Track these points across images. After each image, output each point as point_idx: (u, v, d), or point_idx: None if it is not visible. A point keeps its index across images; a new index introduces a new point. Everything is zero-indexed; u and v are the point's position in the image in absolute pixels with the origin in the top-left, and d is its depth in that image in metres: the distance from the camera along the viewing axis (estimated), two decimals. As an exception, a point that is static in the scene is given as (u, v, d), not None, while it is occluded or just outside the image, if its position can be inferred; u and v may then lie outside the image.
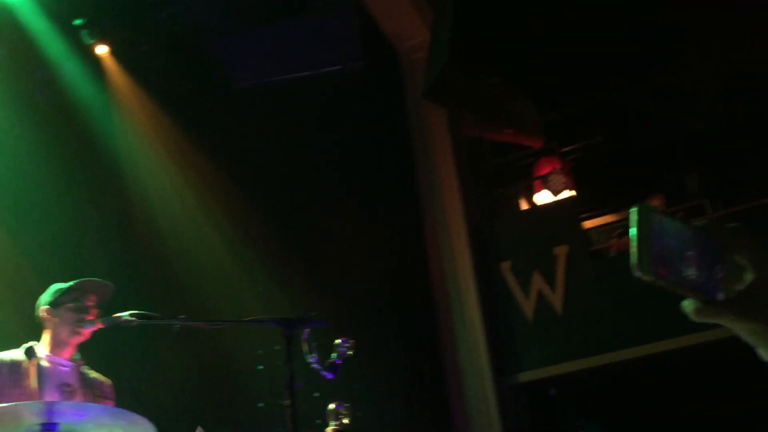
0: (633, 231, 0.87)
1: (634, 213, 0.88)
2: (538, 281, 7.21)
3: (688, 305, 0.92)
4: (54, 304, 3.31)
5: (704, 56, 8.12)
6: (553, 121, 8.40)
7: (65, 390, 3.19)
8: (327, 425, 3.32)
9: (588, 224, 8.68)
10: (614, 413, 7.77)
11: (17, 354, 3.21)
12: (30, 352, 3.21)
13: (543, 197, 8.55)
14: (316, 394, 5.35)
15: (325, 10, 8.07)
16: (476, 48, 6.69)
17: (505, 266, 7.39)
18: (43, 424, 2.35)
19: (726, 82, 8.26)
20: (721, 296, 0.91)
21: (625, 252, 7.60)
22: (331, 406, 3.27)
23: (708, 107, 8.54)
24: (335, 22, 7.99)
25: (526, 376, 7.04)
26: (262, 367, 6.58)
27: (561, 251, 7.22)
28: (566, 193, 8.26)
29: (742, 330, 0.93)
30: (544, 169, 8.56)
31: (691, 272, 0.89)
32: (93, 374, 3.40)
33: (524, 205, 8.90)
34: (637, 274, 0.87)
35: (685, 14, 7.35)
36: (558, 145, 8.70)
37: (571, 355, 6.91)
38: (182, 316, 3.08)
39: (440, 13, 6.98)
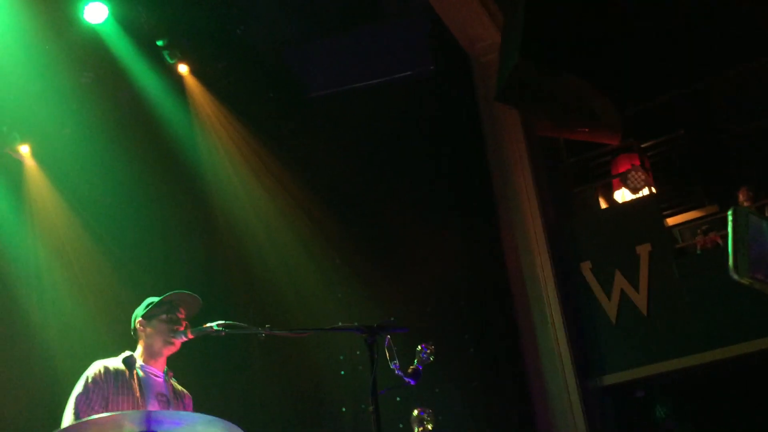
0: (729, 234, 0.88)
1: (729, 216, 0.89)
2: (620, 281, 7.07)
3: None
4: (148, 316, 3.47)
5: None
6: (631, 116, 8.21)
7: (162, 399, 3.35)
8: (410, 430, 3.36)
9: (671, 221, 8.45)
10: (703, 415, 7.53)
11: (117, 362, 3.38)
12: (129, 362, 3.38)
13: (622, 195, 8.37)
14: (399, 399, 5.41)
15: (396, 16, 8.14)
16: (548, 47, 6.61)
17: (586, 266, 7.28)
18: (143, 432, 2.47)
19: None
20: None
21: (711, 249, 7.38)
22: (415, 411, 3.31)
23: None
24: (406, 28, 8.06)
25: (611, 378, 6.91)
26: (344, 372, 6.68)
27: (643, 250, 7.06)
28: (646, 191, 8.06)
29: None
30: (623, 167, 8.38)
31: None
32: (178, 386, 3.55)
33: (603, 204, 8.73)
34: (734, 277, 0.88)
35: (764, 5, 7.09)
36: (636, 141, 8.50)
37: (658, 357, 6.74)
38: (267, 325, 3.17)
39: (510, 14, 6.93)
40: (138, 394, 3.25)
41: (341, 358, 6.71)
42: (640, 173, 8.08)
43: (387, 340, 3.06)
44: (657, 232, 7.26)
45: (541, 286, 7.15)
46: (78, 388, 3.26)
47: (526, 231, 7.38)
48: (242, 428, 2.69)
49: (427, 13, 7.79)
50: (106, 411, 3.09)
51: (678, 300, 6.77)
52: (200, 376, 3.95)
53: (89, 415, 2.90)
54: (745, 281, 0.86)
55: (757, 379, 6.98)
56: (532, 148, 7.73)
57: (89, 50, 6.60)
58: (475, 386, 6.70)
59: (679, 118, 8.87)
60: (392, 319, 3.12)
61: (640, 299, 6.96)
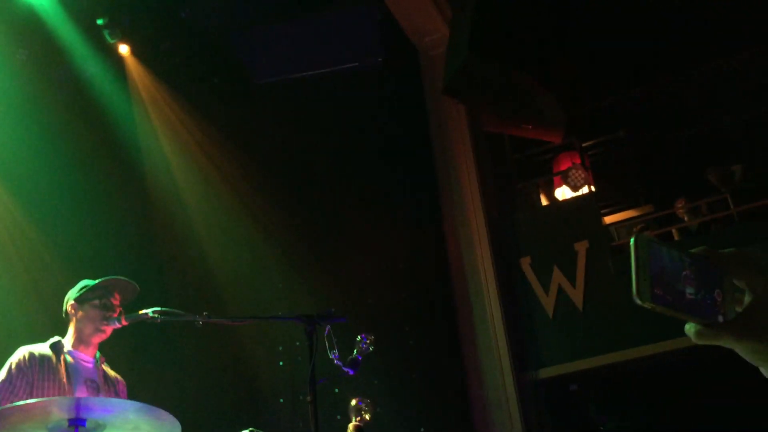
0: (631, 261, 0.91)
1: (631, 244, 0.92)
2: (558, 277, 7.20)
3: (689, 328, 0.96)
4: (80, 299, 3.36)
5: (724, 52, 8.06)
6: (574, 116, 8.36)
7: (90, 386, 3.25)
8: (348, 421, 3.35)
9: (609, 220, 8.64)
10: (634, 409, 7.74)
11: (44, 348, 3.27)
12: (57, 347, 3.27)
13: (563, 193, 8.51)
14: (337, 390, 5.40)
15: (345, 6, 8.08)
16: (495, 43, 6.66)
17: (525, 262, 7.38)
18: (71, 420, 2.40)
19: (745, 77, 8.19)
20: (720, 319, 0.94)
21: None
22: (353, 401, 3.30)
23: (729, 100, 8.47)
24: (355, 19, 8.01)
25: (546, 372, 7.03)
26: (282, 363, 6.63)
27: (581, 247, 7.20)
28: (586, 189, 8.22)
29: (742, 350, 0.96)
30: (564, 165, 8.52)
31: (689, 291, 0.93)
32: (111, 372, 3.45)
33: (544, 201, 8.87)
34: (637, 301, 0.91)
35: (705, 9, 7.29)
36: (578, 140, 8.66)
37: (592, 351, 6.89)
38: (205, 313, 3.12)
39: (459, 9, 6.97)
40: (65, 380, 3.15)
41: (280, 348, 6.66)
42: (580, 171, 8.23)
43: (327, 329, 3.05)
44: (595, 229, 7.42)
45: (481, 279, 7.22)
46: (1, 374, 3.14)
47: (469, 225, 7.44)
48: (176, 417, 2.64)
49: (377, 4, 7.76)
50: (31, 397, 2.98)
51: (612, 296, 6.93)
52: (133, 363, 3.86)
53: (13, 402, 2.79)
54: (647, 305, 0.90)
55: (685, 374, 7.21)
56: (477, 143, 7.79)
57: (25, 27, 6.37)
58: (413, 378, 6.74)
59: (620, 119, 9.07)
60: (332, 309, 3.11)
61: (577, 295, 7.10)
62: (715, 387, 7.09)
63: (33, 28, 6.40)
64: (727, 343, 0.94)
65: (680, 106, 8.88)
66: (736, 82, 8.25)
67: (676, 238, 7.82)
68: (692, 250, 0.96)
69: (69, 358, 3.27)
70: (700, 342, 0.94)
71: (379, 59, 7.92)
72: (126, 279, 3.43)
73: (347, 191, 7.19)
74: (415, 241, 7.25)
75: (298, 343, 6.25)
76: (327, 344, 3.05)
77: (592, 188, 8.31)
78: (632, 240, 0.91)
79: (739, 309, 0.95)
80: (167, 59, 7.16)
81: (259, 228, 6.91)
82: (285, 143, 7.27)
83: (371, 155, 7.41)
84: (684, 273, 0.92)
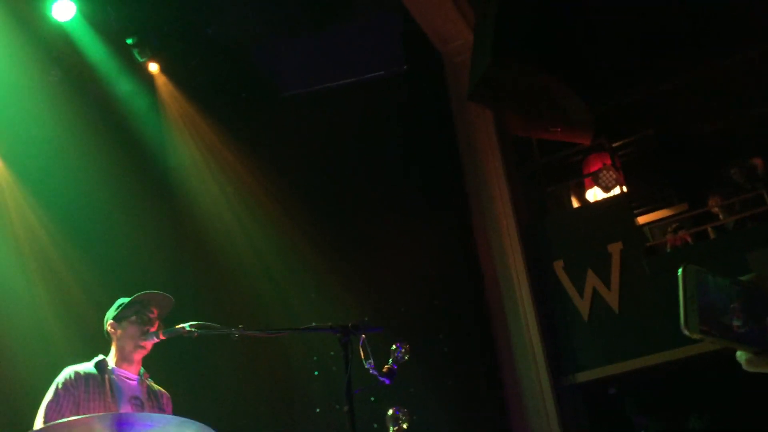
0: (679, 292, 0.90)
1: (679, 275, 0.91)
2: (592, 279, 7.12)
3: (740, 355, 0.94)
4: (118, 318, 3.41)
5: (755, 43, 7.93)
6: (602, 115, 8.27)
7: (135, 403, 3.29)
8: (385, 430, 3.34)
9: (642, 220, 8.53)
10: (674, 411, 7.62)
11: (89, 367, 3.31)
12: (101, 366, 3.31)
13: (594, 194, 8.43)
14: (373, 399, 5.40)
15: (369, 16, 8.12)
16: (520, 46, 6.64)
17: (558, 265, 7.31)
18: (113, 435, 2.42)
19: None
20: None
21: (681, 247, 7.47)
22: (390, 411, 3.29)
23: (760, 95, 8.33)
24: (378, 28, 8.04)
25: (583, 376, 6.96)
26: (318, 373, 6.65)
27: (615, 248, 7.12)
28: (617, 190, 8.13)
29: None
30: (594, 166, 8.44)
31: (736, 324, 0.91)
32: (155, 387, 3.49)
33: (575, 203, 8.79)
34: (685, 332, 0.90)
35: (733, 3, 7.20)
36: (608, 140, 8.57)
37: (630, 354, 6.80)
38: (241, 326, 3.13)
39: (482, 14, 6.95)
40: (110, 398, 3.19)
41: (315, 358, 6.68)
42: (611, 172, 8.14)
43: (362, 339, 3.04)
44: (628, 230, 7.33)
45: (514, 284, 7.18)
46: (48, 395, 3.19)
47: (500, 230, 7.41)
48: (214, 429, 2.66)
49: (400, 12, 7.78)
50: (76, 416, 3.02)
51: (648, 297, 6.84)
52: (172, 377, 3.90)
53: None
54: (696, 336, 0.89)
55: (724, 376, 7.08)
56: (504, 147, 7.76)
57: (57, 48, 6.49)
58: (449, 385, 6.71)
59: (648, 117, 8.97)
60: (366, 318, 3.11)
61: (612, 297, 7.01)
62: (756, 388, 6.95)
63: (64, 48, 6.52)
64: None
65: (709, 101, 8.76)
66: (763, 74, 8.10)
67: (712, 236, 7.70)
68: (742, 278, 0.94)
69: (113, 377, 3.31)
70: (751, 369, 0.93)
71: (404, 67, 7.93)
72: (160, 292, 3.47)
73: (376, 200, 7.20)
74: (446, 248, 7.23)
75: (332, 353, 6.27)
76: (362, 354, 3.04)
77: (624, 189, 8.22)
78: (680, 271, 0.91)
79: None
80: (195, 76, 7.25)
81: (290, 240, 6.94)
82: (313, 154, 7.31)
83: (399, 163, 7.42)
84: (732, 305, 0.91)
